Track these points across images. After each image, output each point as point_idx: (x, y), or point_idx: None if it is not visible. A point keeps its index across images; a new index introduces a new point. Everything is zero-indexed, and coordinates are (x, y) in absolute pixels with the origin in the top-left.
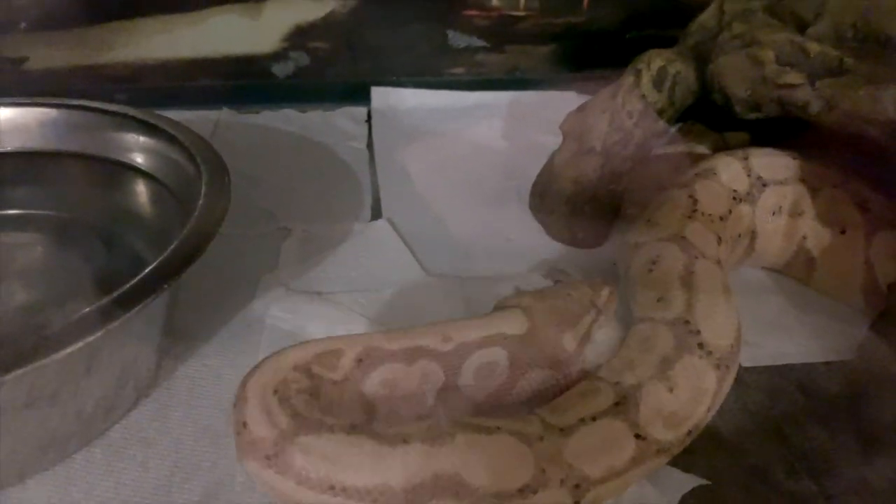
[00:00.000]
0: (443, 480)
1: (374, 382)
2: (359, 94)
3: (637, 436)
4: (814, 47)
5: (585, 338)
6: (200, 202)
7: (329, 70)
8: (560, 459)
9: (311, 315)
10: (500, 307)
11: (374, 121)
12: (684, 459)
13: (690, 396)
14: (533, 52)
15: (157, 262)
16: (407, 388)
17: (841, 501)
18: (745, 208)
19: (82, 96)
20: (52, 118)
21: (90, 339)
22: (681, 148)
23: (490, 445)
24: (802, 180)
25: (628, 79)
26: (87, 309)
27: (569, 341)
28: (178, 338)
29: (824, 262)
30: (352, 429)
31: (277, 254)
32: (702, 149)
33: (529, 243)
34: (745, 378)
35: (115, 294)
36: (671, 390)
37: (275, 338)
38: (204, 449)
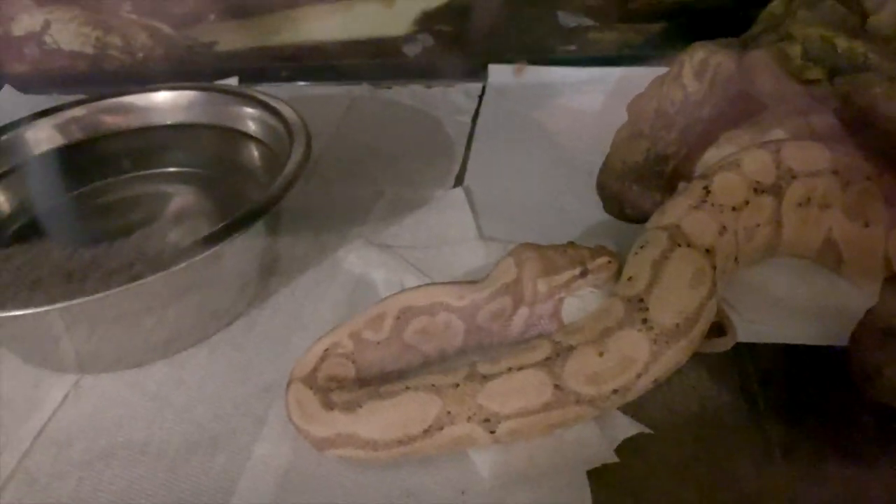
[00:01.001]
0: (342, 437)
1: (410, 332)
2: (478, 72)
3: (556, 386)
4: (842, 43)
5: (562, 287)
6: (289, 163)
7: (451, 50)
8: (470, 401)
9: (376, 263)
10: (508, 254)
11: (486, 96)
12: (643, 413)
13: (617, 362)
14: (644, 29)
15: (251, 205)
16: (434, 332)
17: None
18: (766, 199)
19: (257, 73)
20: (196, 98)
21: (203, 255)
22: (752, 132)
23: (392, 406)
24: (836, 172)
25: (674, 69)
26: (204, 233)
27: (542, 284)
28: (277, 272)
29: (849, 254)
30: (320, 392)
31: (369, 211)
32: (777, 133)
33: (584, 216)
34: (739, 354)
35: (221, 224)
36: (601, 354)
37: (346, 280)
38: (278, 358)
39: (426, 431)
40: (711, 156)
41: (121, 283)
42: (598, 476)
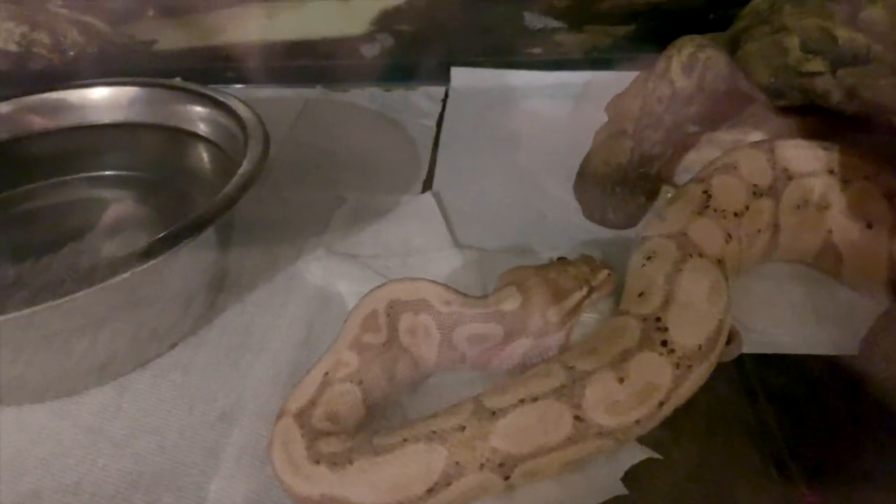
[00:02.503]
0: (328, 499)
1: (403, 331)
2: (440, 74)
3: (577, 417)
4: (842, 34)
5: (573, 312)
6: (244, 162)
7: (412, 51)
8: (481, 445)
9: (341, 274)
10: (501, 281)
11: (449, 99)
12: (647, 435)
13: (639, 389)
14: (612, 31)
15: (201, 209)
16: (417, 334)
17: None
18: (765, 203)
19: (200, 74)
20: (138, 95)
21: (144, 266)
22: (733, 133)
23: (388, 464)
24: (832, 172)
25: (660, 64)
26: (141, 245)
27: (553, 314)
28: (227, 287)
29: (850, 256)
30: (308, 436)
31: (330, 219)
32: (758, 135)
33: (563, 222)
34: (745, 366)
35: (162, 234)
36: (621, 380)
37: (306, 293)
38: (229, 382)
39: (431, 490)
40: (692, 159)
41: (47, 300)
42: None
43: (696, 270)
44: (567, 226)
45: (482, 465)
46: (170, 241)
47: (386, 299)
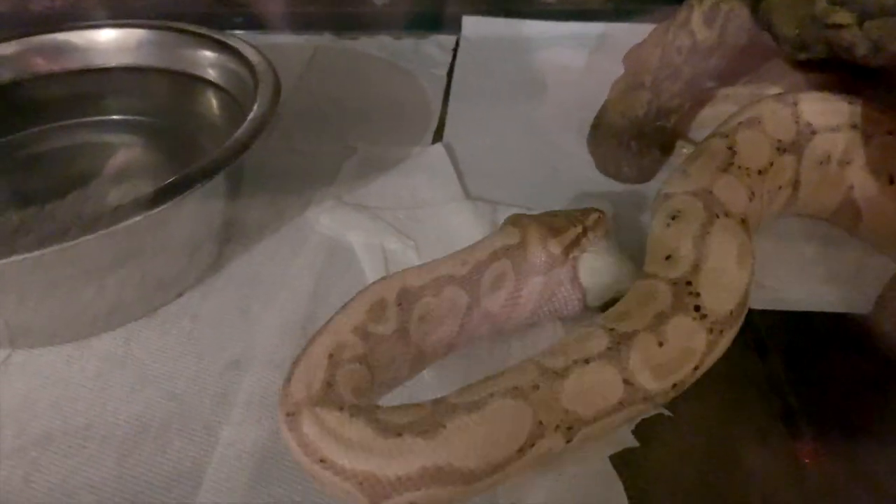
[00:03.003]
0: (430, 471)
1: (415, 323)
2: (451, 23)
3: (626, 381)
4: None
5: (572, 245)
6: (254, 108)
7: None
8: (557, 406)
9: (352, 225)
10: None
11: (460, 49)
12: None
13: (678, 354)
14: None
15: (210, 156)
16: (438, 316)
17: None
18: (788, 159)
19: (207, 20)
20: (146, 38)
21: (150, 213)
22: (751, 88)
23: (483, 422)
24: (855, 126)
25: (681, 14)
26: (148, 192)
27: (554, 245)
28: (235, 237)
29: (870, 212)
30: (360, 412)
31: (339, 169)
32: (776, 90)
33: (576, 176)
34: (755, 322)
35: (170, 181)
36: (661, 344)
37: (316, 244)
38: (238, 331)
39: (520, 450)
40: (708, 114)
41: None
42: (617, 460)
43: (724, 232)
44: (579, 179)
45: (557, 427)
46: (177, 189)
47: (396, 288)
